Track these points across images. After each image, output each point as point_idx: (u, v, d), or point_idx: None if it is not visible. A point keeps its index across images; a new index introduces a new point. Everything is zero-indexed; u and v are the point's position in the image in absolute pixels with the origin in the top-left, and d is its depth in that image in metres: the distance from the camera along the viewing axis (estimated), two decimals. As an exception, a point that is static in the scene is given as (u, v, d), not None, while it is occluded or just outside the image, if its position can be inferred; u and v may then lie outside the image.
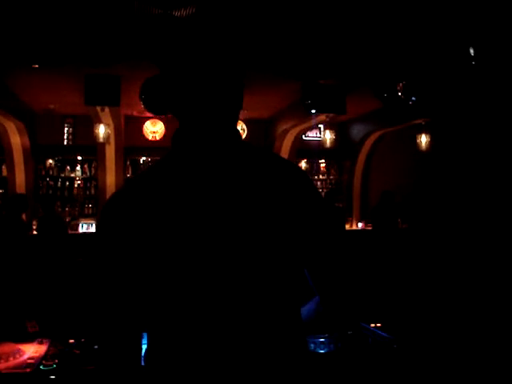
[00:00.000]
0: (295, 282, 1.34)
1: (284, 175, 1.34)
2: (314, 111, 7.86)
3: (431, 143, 8.87)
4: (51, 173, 10.42)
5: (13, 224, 6.48)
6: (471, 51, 5.06)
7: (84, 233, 9.31)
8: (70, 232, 8.47)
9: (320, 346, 2.92)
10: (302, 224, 1.32)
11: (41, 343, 3.06)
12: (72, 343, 3.04)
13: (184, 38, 1.30)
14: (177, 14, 5.19)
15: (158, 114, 7.43)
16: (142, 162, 10.73)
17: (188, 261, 1.22)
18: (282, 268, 1.29)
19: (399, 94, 6.82)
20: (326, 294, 1.42)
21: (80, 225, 9.54)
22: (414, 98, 6.43)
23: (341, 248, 1.40)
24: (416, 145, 8.94)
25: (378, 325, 3.38)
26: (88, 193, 10.49)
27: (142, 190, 1.28)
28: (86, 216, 10.17)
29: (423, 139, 8.90)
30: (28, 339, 3.10)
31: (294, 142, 10.49)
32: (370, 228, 9.76)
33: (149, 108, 6.89)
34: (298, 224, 1.31)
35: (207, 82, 1.28)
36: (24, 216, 7.57)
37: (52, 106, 9.35)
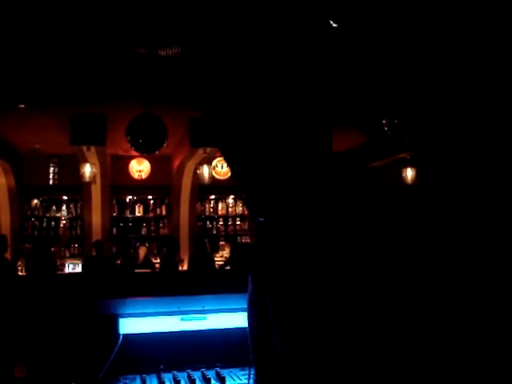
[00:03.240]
0: None
1: None
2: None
3: (416, 177, 8.92)
4: (36, 213, 10.34)
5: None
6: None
7: (70, 273, 9.16)
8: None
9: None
10: None
11: (26, 389, 2.97)
12: (59, 389, 2.94)
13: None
14: (162, 53, 5.25)
15: (144, 152, 7.42)
16: (128, 200, 10.68)
17: None
18: None
19: (384, 128, 6.89)
20: None
21: (66, 265, 9.40)
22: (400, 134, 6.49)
23: None
24: (401, 179, 8.99)
25: None
26: (74, 233, 10.38)
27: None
28: (72, 256, 10.03)
29: (409, 173, 8.95)
30: (13, 385, 3.01)
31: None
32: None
33: (135, 146, 6.88)
34: None
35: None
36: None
37: (38, 146, 9.33)
